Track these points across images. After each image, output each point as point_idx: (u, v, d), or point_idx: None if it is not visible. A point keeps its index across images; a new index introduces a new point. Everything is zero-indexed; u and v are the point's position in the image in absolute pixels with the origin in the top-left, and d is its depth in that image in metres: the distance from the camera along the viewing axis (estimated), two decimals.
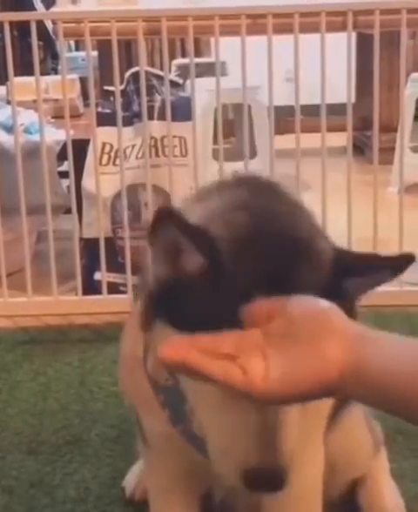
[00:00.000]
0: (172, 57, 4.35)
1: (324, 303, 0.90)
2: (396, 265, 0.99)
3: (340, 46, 2.57)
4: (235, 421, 0.93)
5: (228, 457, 0.94)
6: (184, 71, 3.70)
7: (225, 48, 2.64)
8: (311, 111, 3.14)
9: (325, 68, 2.44)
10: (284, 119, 3.61)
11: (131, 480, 1.65)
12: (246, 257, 0.96)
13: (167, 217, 0.94)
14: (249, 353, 0.86)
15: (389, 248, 2.58)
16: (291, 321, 0.87)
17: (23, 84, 2.81)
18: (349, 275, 0.98)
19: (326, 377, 0.84)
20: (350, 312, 0.95)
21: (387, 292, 2.53)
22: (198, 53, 4.36)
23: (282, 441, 0.92)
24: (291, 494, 1.21)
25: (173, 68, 4.13)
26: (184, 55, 4.61)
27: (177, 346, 0.87)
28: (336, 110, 2.72)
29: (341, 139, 2.84)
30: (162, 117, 2.55)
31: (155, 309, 1.00)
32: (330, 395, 0.88)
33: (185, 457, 1.22)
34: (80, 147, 2.65)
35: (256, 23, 2.57)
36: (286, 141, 2.86)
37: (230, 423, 0.93)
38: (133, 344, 1.15)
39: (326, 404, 1.19)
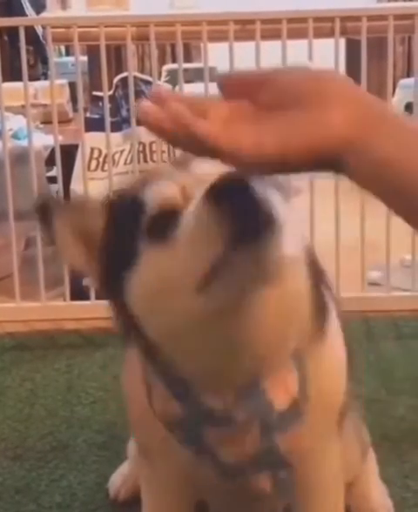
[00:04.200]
0: (163, 62, 4.35)
1: (324, 71, 0.79)
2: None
3: (329, 52, 2.57)
4: None
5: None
6: (174, 76, 3.70)
7: (215, 53, 2.64)
8: None
9: None
10: None
11: (115, 480, 1.66)
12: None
13: (48, 208, 1.04)
14: (239, 119, 0.75)
15: (378, 253, 2.58)
16: (283, 91, 0.76)
17: (11, 90, 2.80)
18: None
19: (324, 146, 0.74)
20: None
21: (373, 297, 2.54)
22: (188, 59, 4.36)
23: None
24: (318, 484, 1.25)
25: (163, 73, 4.13)
26: (174, 60, 4.61)
27: (162, 95, 0.75)
28: None
29: None
30: None
31: (114, 297, 1.05)
32: (322, 168, 0.76)
33: (186, 470, 1.23)
34: (69, 152, 2.65)
35: (244, 28, 2.57)
36: None
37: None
38: (136, 391, 1.14)
39: (339, 399, 1.19)
